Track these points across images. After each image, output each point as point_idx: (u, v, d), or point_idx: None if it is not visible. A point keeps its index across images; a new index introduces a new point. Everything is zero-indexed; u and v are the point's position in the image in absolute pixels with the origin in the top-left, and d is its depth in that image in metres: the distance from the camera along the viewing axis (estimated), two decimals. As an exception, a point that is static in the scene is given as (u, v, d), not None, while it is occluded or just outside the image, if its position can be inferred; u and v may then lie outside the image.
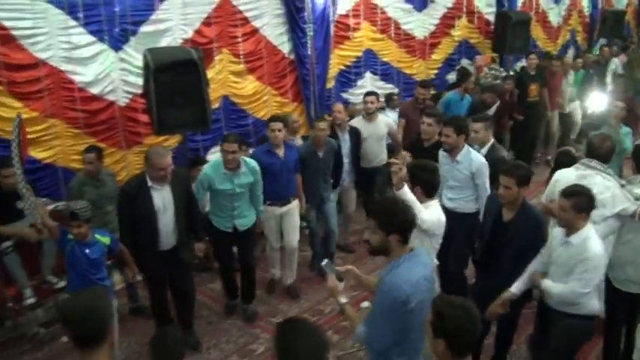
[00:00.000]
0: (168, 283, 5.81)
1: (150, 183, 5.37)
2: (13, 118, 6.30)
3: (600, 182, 4.89)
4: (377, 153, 7.91)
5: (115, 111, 7.22)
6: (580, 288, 4.24)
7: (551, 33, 14.39)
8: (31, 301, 6.18)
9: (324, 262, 3.80)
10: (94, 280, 5.09)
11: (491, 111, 9.49)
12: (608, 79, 12.29)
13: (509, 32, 11.38)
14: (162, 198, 5.45)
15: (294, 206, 6.91)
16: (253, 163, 6.27)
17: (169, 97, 6.30)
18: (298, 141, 8.16)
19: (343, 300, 3.64)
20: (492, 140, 6.34)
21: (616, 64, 12.82)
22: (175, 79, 6.32)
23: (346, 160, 7.54)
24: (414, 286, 3.36)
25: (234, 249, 6.62)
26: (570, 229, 4.34)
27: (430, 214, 4.46)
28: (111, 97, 7.16)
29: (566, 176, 5.17)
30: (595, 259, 4.22)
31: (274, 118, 6.73)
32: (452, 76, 11.55)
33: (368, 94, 8.03)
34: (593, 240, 4.27)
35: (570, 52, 14.45)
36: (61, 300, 6.16)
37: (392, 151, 8.14)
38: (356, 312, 4.02)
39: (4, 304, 6.25)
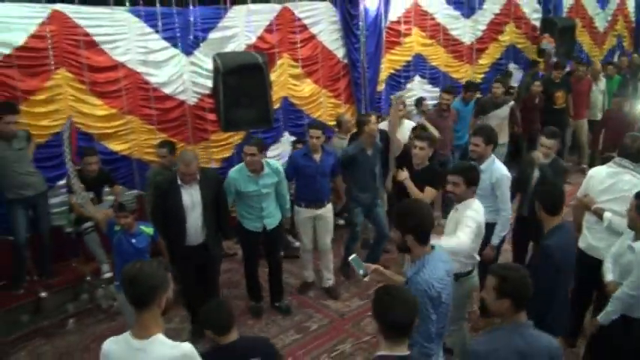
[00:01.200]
0: (196, 278, 6.09)
1: (179, 181, 5.72)
2: (95, 113, 7.03)
3: (629, 180, 5.17)
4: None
5: (185, 109, 7.81)
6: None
7: (597, 38, 14.47)
8: (107, 275, 6.74)
9: (352, 256, 4.11)
10: None
11: (504, 111, 9.53)
12: None
13: (554, 37, 11.59)
14: (191, 196, 5.75)
15: (329, 209, 7.05)
16: (276, 164, 6.54)
17: (236, 97, 6.75)
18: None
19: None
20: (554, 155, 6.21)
21: None
22: (242, 81, 6.76)
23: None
24: (441, 282, 3.62)
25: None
26: (637, 233, 4.51)
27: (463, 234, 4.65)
28: (181, 97, 7.75)
29: (598, 173, 5.48)
30: None
31: (315, 126, 6.92)
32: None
33: (445, 90, 8.61)
34: None
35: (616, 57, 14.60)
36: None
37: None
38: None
39: (82, 278, 6.96)
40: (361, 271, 3.97)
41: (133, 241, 5.45)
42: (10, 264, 6.61)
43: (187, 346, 3.17)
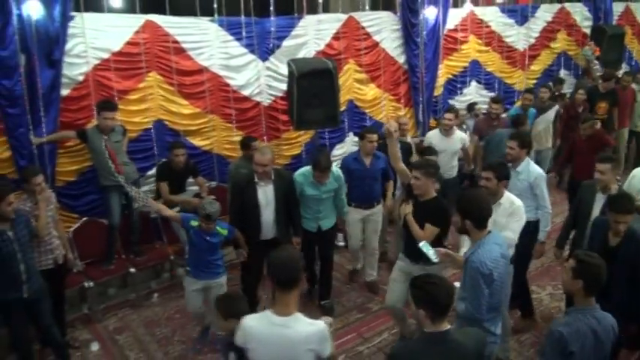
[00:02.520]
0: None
1: (256, 179, 6.05)
2: (182, 112, 7.80)
3: None
4: (449, 166, 8.06)
5: (260, 110, 8.48)
6: None
7: (647, 46, 14.67)
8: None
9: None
10: (210, 260, 5.85)
11: (550, 116, 9.69)
12: None
13: (604, 45, 11.86)
14: (266, 193, 6.08)
15: (378, 211, 7.23)
16: (338, 171, 6.74)
17: (308, 98, 7.37)
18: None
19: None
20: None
21: None
22: (313, 84, 7.37)
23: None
24: (494, 262, 4.12)
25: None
26: None
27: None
28: (257, 98, 8.42)
29: (638, 172, 6.10)
30: None
31: (370, 131, 7.11)
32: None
33: (448, 110, 8.43)
34: None
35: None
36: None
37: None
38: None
39: (166, 257, 7.68)
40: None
41: (207, 238, 5.76)
42: (102, 243, 7.29)
43: (322, 324, 3.50)
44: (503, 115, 9.41)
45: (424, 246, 4.63)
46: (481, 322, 4.25)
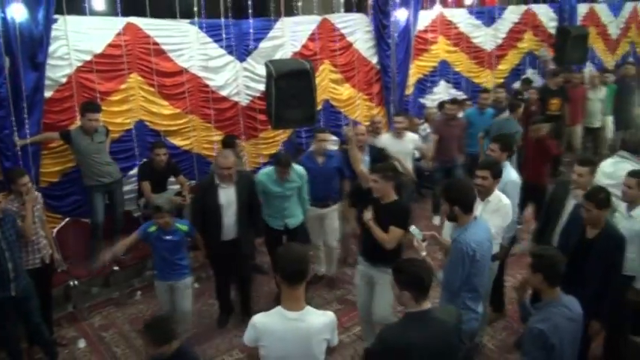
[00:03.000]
0: (233, 267, 6.57)
1: (217, 181, 6.15)
2: (162, 113, 7.94)
3: (628, 167, 5.97)
4: (402, 168, 7.97)
5: (238, 110, 8.66)
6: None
7: (610, 45, 15.14)
8: None
9: (412, 227, 4.98)
10: (174, 260, 5.88)
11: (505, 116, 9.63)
12: None
13: (568, 45, 12.04)
14: (227, 195, 6.18)
15: (333, 210, 7.39)
16: (301, 169, 6.83)
17: (286, 98, 7.56)
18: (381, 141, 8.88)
19: (424, 254, 4.75)
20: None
21: None
22: (291, 85, 7.58)
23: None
24: (478, 244, 4.44)
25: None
26: (632, 204, 5.33)
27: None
28: (235, 99, 8.60)
29: (604, 163, 6.48)
30: None
31: (321, 130, 7.41)
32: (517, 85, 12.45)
33: (397, 114, 8.73)
34: None
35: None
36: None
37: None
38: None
39: (147, 256, 7.49)
40: (421, 238, 4.80)
41: (168, 237, 5.81)
42: (86, 243, 7.44)
43: (331, 313, 3.70)
44: (460, 115, 9.59)
45: (413, 230, 4.88)
46: (458, 296, 4.57)
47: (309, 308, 3.61)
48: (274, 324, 3.54)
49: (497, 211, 5.36)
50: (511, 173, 6.09)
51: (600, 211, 4.91)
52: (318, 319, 3.60)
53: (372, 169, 5.73)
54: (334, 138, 8.98)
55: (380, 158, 7.23)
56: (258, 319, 3.60)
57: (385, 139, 8.26)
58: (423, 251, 4.79)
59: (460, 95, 11.63)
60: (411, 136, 8.52)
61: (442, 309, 4.01)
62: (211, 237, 6.25)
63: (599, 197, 4.93)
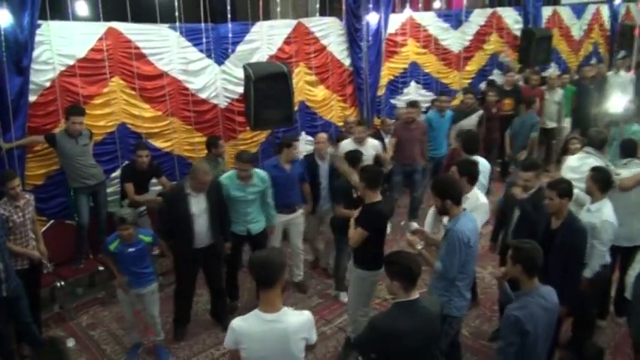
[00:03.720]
0: (205, 276, 6.72)
1: (188, 191, 6.17)
2: (143, 115, 8.08)
3: (592, 163, 6.41)
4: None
5: (218, 112, 8.82)
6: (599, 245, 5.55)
7: (573, 46, 15.63)
8: (155, 252, 7.20)
9: (403, 222, 5.39)
10: (139, 271, 5.97)
11: (472, 119, 10.00)
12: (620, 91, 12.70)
13: (533, 47, 12.42)
14: (199, 203, 6.22)
15: (299, 215, 7.56)
16: (263, 173, 6.92)
17: (264, 100, 7.69)
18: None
19: (419, 247, 5.14)
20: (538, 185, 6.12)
21: (623, 77, 13.32)
22: (270, 87, 7.73)
23: (325, 187, 7.82)
24: (471, 231, 4.86)
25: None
26: (593, 198, 5.78)
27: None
28: (214, 101, 8.77)
29: (571, 158, 6.94)
30: (605, 224, 5.52)
31: (296, 139, 7.67)
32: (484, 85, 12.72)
33: (358, 123, 8.72)
34: (606, 208, 5.63)
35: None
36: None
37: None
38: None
39: None
40: (408, 231, 5.11)
41: (132, 249, 5.87)
42: (71, 244, 7.62)
43: (308, 312, 3.83)
44: (421, 119, 9.76)
45: (405, 225, 5.25)
46: (453, 285, 4.93)
47: (285, 309, 3.74)
48: (252, 326, 3.67)
49: (477, 209, 5.63)
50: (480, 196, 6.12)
51: (561, 200, 5.29)
52: (295, 319, 3.73)
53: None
54: (309, 138, 9.29)
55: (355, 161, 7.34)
56: (236, 323, 3.72)
57: (347, 146, 8.27)
58: (418, 245, 5.16)
59: (430, 96, 11.93)
60: (371, 142, 8.63)
61: (427, 299, 4.28)
62: (183, 245, 6.30)
63: (561, 186, 5.33)
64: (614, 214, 5.68)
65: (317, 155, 7.81)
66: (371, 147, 8.51)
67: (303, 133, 9.85)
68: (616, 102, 10.16)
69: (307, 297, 7.57)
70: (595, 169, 5.94)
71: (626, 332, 6.05)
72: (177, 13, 8.14)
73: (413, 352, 3.94)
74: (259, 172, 6.89)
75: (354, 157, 7.16)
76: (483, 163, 6.58)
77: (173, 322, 6.80)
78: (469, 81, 12.94)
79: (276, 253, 3.91)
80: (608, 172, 6.00)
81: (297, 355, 3.76)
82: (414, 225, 5.40)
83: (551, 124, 11.92)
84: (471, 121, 9.96)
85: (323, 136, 7.87)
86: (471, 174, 5.80)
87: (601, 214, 5.64)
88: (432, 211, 6.31)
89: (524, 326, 4.07)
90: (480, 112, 10.18)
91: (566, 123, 12.26)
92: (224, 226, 6.62)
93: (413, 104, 9.38)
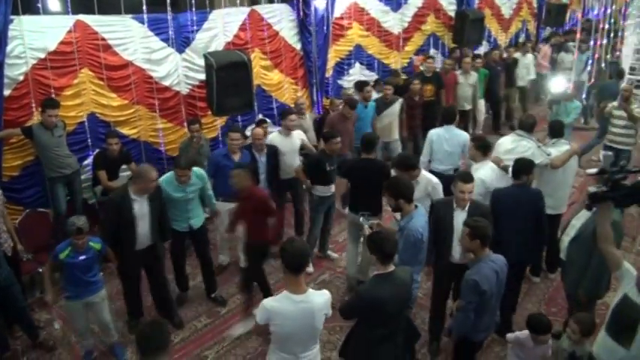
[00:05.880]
0: (147, 276, 6.76)
1: (132, 195, 6.17)
2: (111, 104, 8.36)
3: (525, 144, 7.23)
4: (294, 165, 8.34)
5: (180, 98, 9.15)
6: None
7: (503, 24, 16.49)
8: None
9: (361, 217, 5.93)
10: (89, 279, 5.92)
11: (396, 108, 10.27)
12: (525, 72, 14.19)
13: (466, 27, 13.26)
14: (141, 207, 6.24)
15: None
16: (200, 171, 7.06)
17: (226, 88, 8.01)
18: (308, 121, 9.97)
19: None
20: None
21: (530, 59, 14.40)
22: (231, 75, 8.03)
23: (262, 177, 7.95)
24: (423, 228, 5.51)
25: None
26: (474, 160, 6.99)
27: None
28: (177, 88, 9.08)
29: (505, 140, 7.60)
30: (477, 181, 6.31)
31: (234, 130, 7.76)
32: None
33: (288, 112, 8.55)
34: (483, 169, 6.79)
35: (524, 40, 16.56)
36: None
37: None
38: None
39: None
40: (366, 225, 5.68)
41: (83, 257, 5.80)
42: (47, 232, 7.85)
43: (327, 292, 4.41)
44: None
45: (364, 219, 5.86)
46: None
47: (310, 290, 4.30)
48: (284, 306, 4.19)
49: (434, 189, 6.67)
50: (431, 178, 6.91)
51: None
52: (320, 299, 4.30)
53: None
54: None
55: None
56: (269, 303, 4.23)
57: (275, 138, 8.37)
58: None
59: (372, 76, 12.52)
60: (297, 133, 8.63)
61: (400, 269, 4.82)
62: (125, 248, 6.36)
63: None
64: (490, 174, 6.84)
65: (255, 149, 7.94)
66: (298, 138, 8.58)
67: (260, 116, 10.23)
68: (557, 82, 10.90)
69: (273, 271, 7.92)
70: (475, 139, 7.41)
71: (558, 286, 7.16)
72: (144, 6, 8.42)
73: (392, 314, 4.60)
74: (196, 171, 6.98)
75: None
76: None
77: (127, 314, 6.97)
78: (408, 60, 13.58)
79: (304, 244, 4.54)
80: (488, 141, 7.31)
81: (318, 328, 4.38)
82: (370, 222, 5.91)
83: (467, 107, 12.51)
84: (394, 110, 10.28)
85: (259, 132, 8.00)
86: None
87: (478, 173, 6.67)
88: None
89: (481, 287, 4.80)
90: (400, 100, 10.43)
91: (481, 105, 12.97)
92: (164, 226, 6.69)
93: (351, 104, 9.24)
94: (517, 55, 14.34)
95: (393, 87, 10.42)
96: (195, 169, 6.94)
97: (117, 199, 6.27)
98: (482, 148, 7.09)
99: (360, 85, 10.25)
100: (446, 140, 8.19)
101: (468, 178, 5.92)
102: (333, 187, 7.94)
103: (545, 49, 15.65)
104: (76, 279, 5.87)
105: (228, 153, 7.58)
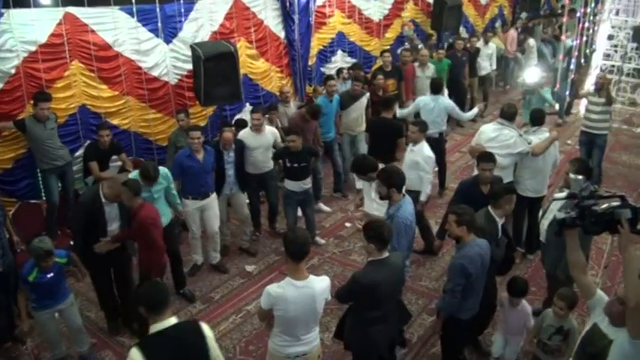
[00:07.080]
0: (114, 275, 6.71)
1: (103, 199, 6.17)
2: (102, 96, 8.46)
3: (507, 133, 7.49)
4: (266, 161, 8.40)
5: (169, 88, 9.26)
6: None
7: (480, 10, 16.71)
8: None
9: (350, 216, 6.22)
10: (57, 291, 5.88)
11: (363, 102, 10.09)
12: (487, 62, 14.27)
13: (444, 14, 13.47)
14: (112, 210, 6.30)
15: (213, 199, 7.74)
16: (164, 170, 7.04)
17: (213, 78, 8.26)
18: (292, 108, 10.20)
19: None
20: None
21: (492, 48, 14.43)
22: (218, 66, 8.28)
23: (231, 173, 7.99)
24: (412, 215, 5.85)
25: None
26: (414, 143, 7.67)
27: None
28: (165, 78, 9.20)
29: (486, 128, 7.82)
30: (426, 159, 7.45)
31: (194, 129, 7.62)
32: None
33: (254, 111, 8.47)
34: (425, 148, 7.62)
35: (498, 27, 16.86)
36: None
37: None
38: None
39: None
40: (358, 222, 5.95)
41: (50, 274, 5.70)
42: (40, 223, 8.03)
43: (327, 278, 4.65)
44: None
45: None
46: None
47: (311, 277, 4.54)
48: (287, 292, 4.40)
49: (426, 162, 7.30)
50: (425, 149, 7.69)
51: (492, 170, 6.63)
52: (321, 284, 4.54)
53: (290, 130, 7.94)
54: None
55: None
56: (273, 289, 4.45)
57: (245, 135, 8.31)
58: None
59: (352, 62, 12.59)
60: (269, 130, 8.55)
61: (393, 254, 5.08)
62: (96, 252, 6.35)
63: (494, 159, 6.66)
64: (430, 150, 7.61)
65: (222, 146, 7.89)
66: (270, 134, 8.47)
67: (247, 104, 10.42)
68: (532, 72, 11.21)
69: (265, 255, 8.39)
70: (417, 123, 7.94)
71: (537, 266, 7.67)
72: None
73: (387, 296, 4.88)
74: (160, 170, 6.93)
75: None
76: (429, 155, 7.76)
77: (105, 317, 7.02)
78: (388, 47, 13.59)
79: (305, 233, 4.75)
80: (426, 123, 8.11)
81: (319, 311, 4.62)
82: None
83: None
84: (361, 104, 10.13)
85: (229, 136, 7.88)
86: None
87: (422, 152, 7.55)
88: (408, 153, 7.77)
89: (467, 270, 5.08)
90: (367, 94, 10.33)
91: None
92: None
93: (314, 114, 9.10)
94: (479, 44, 14.38)
95: (361, 83, 10.29)
96: (160, 168, 6.94)
97: (88, 203, 6.29)
98: (422, 127, 7.85)
99: (325, 79, 10.33)
100: (431, 109, 9.47)
101: (490, 159, 6.65)
102: (304, 184, 8.09)
103: (511, 33, 15.84)
104: (46, 293, 5.82)
105: (191, 152, 7.49)
